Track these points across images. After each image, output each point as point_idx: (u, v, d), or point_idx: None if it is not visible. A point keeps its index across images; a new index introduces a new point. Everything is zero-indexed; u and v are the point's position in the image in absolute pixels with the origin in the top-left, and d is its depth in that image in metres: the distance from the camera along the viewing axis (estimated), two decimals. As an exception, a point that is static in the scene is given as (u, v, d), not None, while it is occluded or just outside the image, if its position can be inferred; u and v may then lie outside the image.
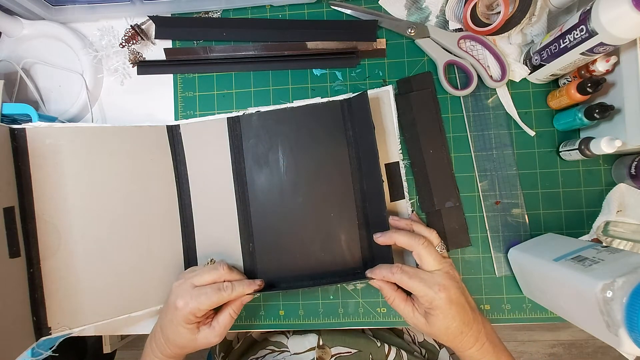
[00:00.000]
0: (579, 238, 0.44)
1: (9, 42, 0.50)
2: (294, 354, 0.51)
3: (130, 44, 0.50)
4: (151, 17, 0.50)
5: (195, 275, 0.41)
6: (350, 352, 0.50)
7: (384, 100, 0.47)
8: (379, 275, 0.40)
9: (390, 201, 0.47)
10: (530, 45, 0.46)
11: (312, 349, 0.50)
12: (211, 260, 0.45)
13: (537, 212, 0.47)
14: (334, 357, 0.50)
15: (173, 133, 0.48)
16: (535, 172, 0.47)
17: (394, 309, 0.40)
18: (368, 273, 0.41)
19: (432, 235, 0.41)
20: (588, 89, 0.40)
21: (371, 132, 0.43)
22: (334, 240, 0.45)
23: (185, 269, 0.47)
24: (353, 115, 0.46)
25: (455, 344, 0.38)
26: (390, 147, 0.47)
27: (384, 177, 0.46)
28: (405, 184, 0.47)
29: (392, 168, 0.47)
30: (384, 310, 0.47)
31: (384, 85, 0.48)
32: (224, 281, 0.41)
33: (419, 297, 0.38)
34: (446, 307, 0.36)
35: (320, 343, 0.51)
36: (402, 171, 0.47)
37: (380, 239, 0.41)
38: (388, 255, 0.42)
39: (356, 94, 0.45)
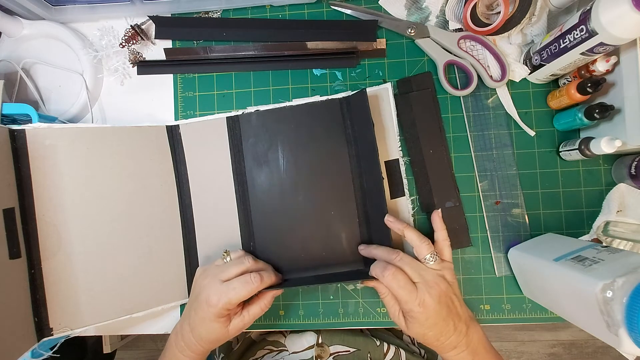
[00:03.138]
0: (579, 238, 0.44)
1: (9, 42, 0.50)
2: (293, 352, 0.51)
3: (130, 44, 0.50)
4: (151, 17, 0.50)
5: (221, 271, 0.41)
6: (349, 350, 0.51)
7: (383, 98, 0.47)
8: (373, 272, 0.41)
9: (391, 198, 0.47)
10: (530, 45, 0.46)
11: (311, 347, 0.51)
12: (226, 252, 0.44)
13: (537, 212, 0.47)
14: (332, 356, 0.50)
15: (173, 133, 0.48)
16: (535, 172, 0.47)
17: (383, 303, 0.42)
18: (370, 272, 0.41)
19: (423, 244, 0.39)
20: (588, 89, 0.40)
21: (370, 130, 0.43)
22: (334, 238, 0.45)
23: (185, 269, 0.47)
24: (352, 113, 0.46)
25: (432, 348, 0.40)
26: (390, 145, 0.47)
27: (384, 175, 0.46)
28: (405, 182, 0.47)
29: (392, 165, 0.47)
30: (383, 310, 0.47)
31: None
32: (251, 272, 0.41)
33: (401, 302, 0.39)
34: (423, 319, 0.37)
35: (319, 341, 0.51)
36: (402, 168, 0.47)
37: (363, 252, 0.44)
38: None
39: (355, 91, 0.45)
